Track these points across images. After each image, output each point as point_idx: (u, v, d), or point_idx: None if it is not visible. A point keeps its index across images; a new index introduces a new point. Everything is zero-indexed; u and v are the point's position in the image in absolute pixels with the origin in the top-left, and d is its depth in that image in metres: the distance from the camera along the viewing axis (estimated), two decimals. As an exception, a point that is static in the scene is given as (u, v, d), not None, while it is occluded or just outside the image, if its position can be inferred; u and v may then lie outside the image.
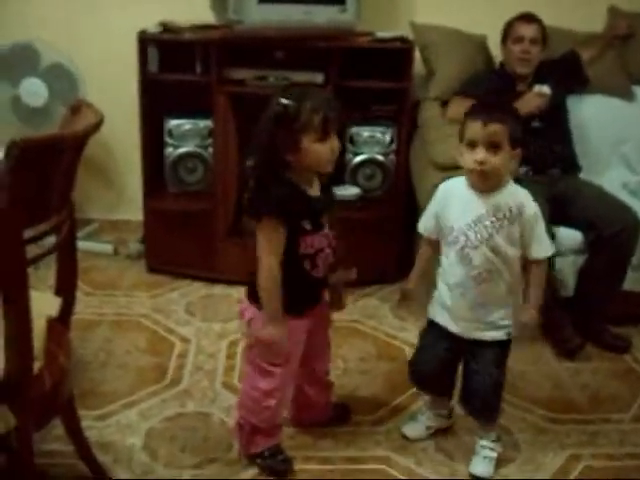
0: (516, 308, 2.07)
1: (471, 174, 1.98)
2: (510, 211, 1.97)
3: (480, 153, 1.92)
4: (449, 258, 2.06)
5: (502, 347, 2.09)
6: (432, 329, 2.18)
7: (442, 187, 2.12)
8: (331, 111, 1.87)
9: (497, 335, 2.07)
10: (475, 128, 1.93)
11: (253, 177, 1.94)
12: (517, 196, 1.99)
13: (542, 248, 2.02)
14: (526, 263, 2.05)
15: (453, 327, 2.10)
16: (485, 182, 1.97)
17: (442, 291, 2.11)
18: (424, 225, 2.15)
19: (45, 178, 1.49)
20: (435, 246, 2.14)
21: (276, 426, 2.16)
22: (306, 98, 1.86)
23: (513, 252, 2.00)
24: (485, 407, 2.14)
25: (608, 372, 2.74)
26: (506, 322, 2.06)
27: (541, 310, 2.07)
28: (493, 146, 1.92)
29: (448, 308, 2.09)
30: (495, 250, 1.98)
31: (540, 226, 2.00)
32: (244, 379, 2.16)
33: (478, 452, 2.19)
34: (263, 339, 1.98)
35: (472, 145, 1.94)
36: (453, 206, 2.05)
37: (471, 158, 1.94)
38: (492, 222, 1.97)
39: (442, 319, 2.13)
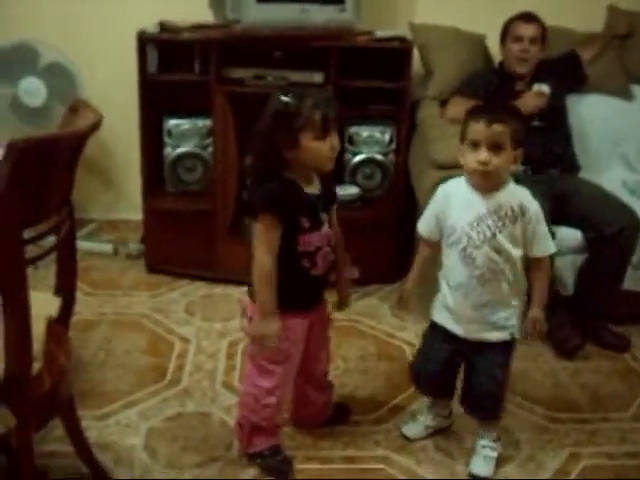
0: (521, 309, 2.08)
1: (474, 174, 1.98)
2: (512, 210, 1.97)
3: (483, 154, 1.92)
4: (451, 259, 2.06)
5: (506, 348, 2.09)
6: (434, 331, 2.18)
7: (441, 188, 2.11)
8: (331, 110, 1.88)
9: (501, 336, 2.06)
10: (478, 128, 1.93)
11: (251, 175, 1.95)
12: (518, 195, 1.99)
13: (544, 246, 2.02)
14: (529, 262, 2.05)
15: (456, 329, 2.10)
16: (487, 182, 1.97)
17: (444, 293, 2.10)
18: (424, 227, 2.14)
19: (44, 178, 1.49)
20: (435, 247, 2.14)
21: (276, 425, 2.16)
22: (306, 96, 1.88)
23: (515, 252, 2.00)
24: (489, 407, 2.14)
25: (608, 371, 2.74)
26: (510, 322, 2.06)
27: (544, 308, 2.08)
28: (496, 147, 1.91)
29: (451, 310, 2.09)
30: (497, 249, 1.98)
31: (542, 225, 2.00)
32: (245, 377, 2.16)
33: (478, 452, 2.19)
34: (253, 333, 2.00)
35: (475, 145, 1.94)
36: (454, 206, 2.04)
37: (474, 158, 1.94)
38: (494, 221, 1.97)
39: (445, 321, 2.12)
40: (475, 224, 1.98)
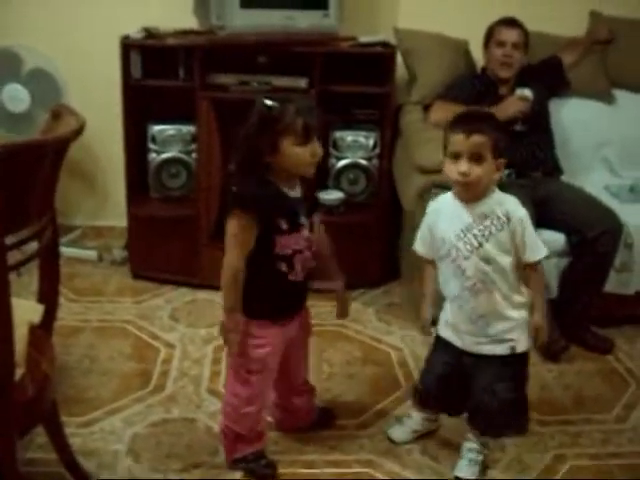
0: (526, 322, 2.06)
1: (456, 185, 2.00)
2: (497, 218, 1.98)
3: (463, 165, 1.93)
4: (444, 272, 2.07)
5: (506, 362, 2.06)
6: (437, 344, 2.18)
7: (431, 206, 2.13)
8: (313, 117, 1.89)
9: (498, 349, 2.05)
10: (458, 140, 1.94)
11: (234, 178, 1.96)
12: (503, 203, 2.00)
13: (535, 251, 2.01)
14: (523, 269, 2.04)
15: (457, 341, 2.10)
16: (469, 192, 1.99)
17: (445, 307, 2.12)
18: (421, 245, 2.14)
19: (26, 183, 1.48)
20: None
21: (259, 433, 2.15)
22: (290, 101, 1.89)
23: (505, 260, 2.00)
24: (489, 424, 2.12)
25: (592, 373, 2.76)
26: (509, 336, 2.04)
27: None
28: (476, 157, 1.93)
29: (450, 323, 2.10)
30: (486, 259, 1.98)
31: (530, 229, 2.00)
32: (226, 386, 2.16)
33: (464, 455, 2.18)
34: (221, 332, 2.01)
35: (455, 157, 1.95)
36: (443, 219, 2.06)
37: (455, 170, 1.96)
38: (480, 230, 1.98)
39: (447, 334, 2.13)
40: (462, 235, 1.99)
